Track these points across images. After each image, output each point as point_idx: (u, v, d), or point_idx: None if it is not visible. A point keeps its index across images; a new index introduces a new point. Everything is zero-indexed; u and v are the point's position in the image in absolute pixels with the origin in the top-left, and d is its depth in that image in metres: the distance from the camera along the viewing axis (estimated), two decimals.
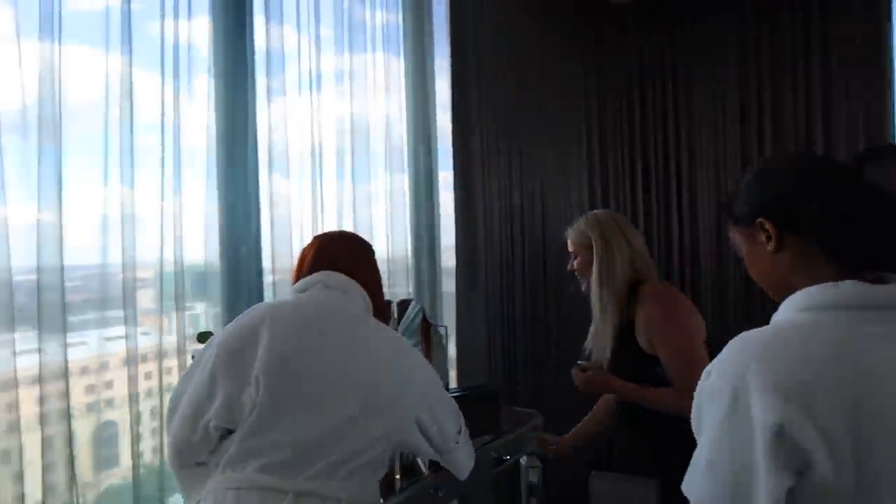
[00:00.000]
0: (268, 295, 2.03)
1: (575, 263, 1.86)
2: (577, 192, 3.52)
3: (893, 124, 3.46)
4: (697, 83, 3.65)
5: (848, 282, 0.79)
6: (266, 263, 2.02)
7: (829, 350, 0.74)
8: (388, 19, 2.58)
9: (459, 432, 1.43)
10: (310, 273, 1.35)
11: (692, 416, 0.84)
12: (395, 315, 1.85)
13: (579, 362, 1.85)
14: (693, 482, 0.80)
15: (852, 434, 0.70)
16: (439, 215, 2.75)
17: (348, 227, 2.33)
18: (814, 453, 0.70)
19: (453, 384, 2.40)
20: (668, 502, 1.74)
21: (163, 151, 1.79)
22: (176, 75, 1.82)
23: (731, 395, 0.75)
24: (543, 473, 2.06)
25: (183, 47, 1.84)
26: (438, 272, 2.74)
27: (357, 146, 2.39)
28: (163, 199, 1.79)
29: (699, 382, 0.83)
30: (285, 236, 2.07)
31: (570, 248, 1.88)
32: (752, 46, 3.57)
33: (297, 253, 2.12)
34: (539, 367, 3.06)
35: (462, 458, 1.45)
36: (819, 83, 3.53)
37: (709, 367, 0.82)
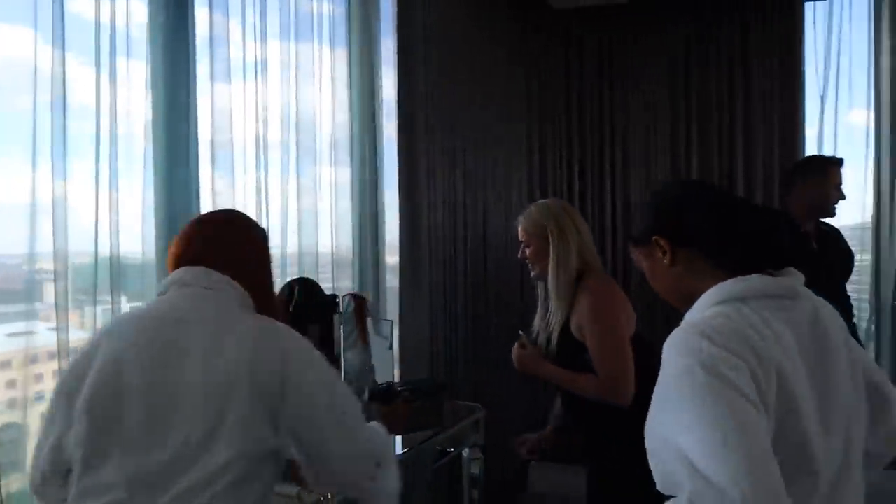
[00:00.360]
0: None
1: (527, 252, 1.88)
2: (517, 190, 3.61)
3: (804, 129, 3.75)
4: (632, 89, 3.81)
5: (754, 276, 0.93)
6: None
7: (754, 332, 0.87)
8: (334, 10, 2.55)
9: (379, 465, 1.18)
10: (175, 267, 1.14)
11: (652, 416, 0.90)
12: (342, 309, 1.85)
13: (521, 332, 1.89)
14: (712, 465, 0.77)
15: (778, 396, 0.85)
16: (384, 211, 2.74)
17: (293, 221, 2.29)
18: (768, 396, 0.84)
19: (397, 379, 2.42)
20: (598, 489, 1.83)
21: (97, 138, 1.71)
22: (112, 59, 1.73)
23: (703, 368, 0.83)
24: (485, 465, 2.12)
25: (120, 29, 1.76)
26: (382, 267, 2.74)
27: (302, 138, 2.35)
28: (97, 188, 1.71)
29: (656, 388, 0.90)
30: None
31: (522, 237, 1.90)
32: (682, 58, 3.77)
33: None
34: (480, 362, 3.12)
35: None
36: (741, 90, 3.76)
37: (667, 363, 0.90)
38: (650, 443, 0.89)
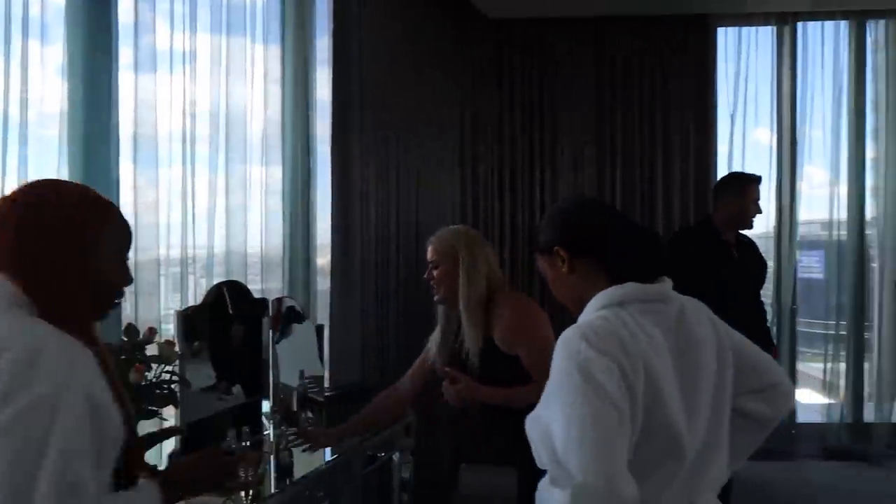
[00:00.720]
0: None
1: (435, 273, 1.88)
2: (450, 193, 3.65)
3: (716, 145, 4.02)
4: (562, 103, 3.96)
5: (630, 283, 1.09)
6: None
7: (627, 332, 1.03)
8: (268, 5, 2.49)
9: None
10: None
11: (540, 405, 1.04)
12: (272, 314, 1.81)
13: (447, 370, 1.86)
14: (568, 454, 0.95)
15: (645, 387, 1.00)
16: (315, 211, 2.70)
17: (220, 218, 2.22)
18: (622, 403, 0.97)
19: (326, 383, 2.38)
20: (528, 490, 1.88)
21: (5, 125, 1.59)
22: (24, 43, 1.61)
23: (578, 367, 0.98)
24: (415, 468, 2.12)
25: (34, 13, 1.64)
26: (313, 268, 2.70)
27: (232, 134, 2.28)
28: (4, 178, 1.58)
29: (547, 384, 1.04)
30: (150, 225, 1.93)
31: (432, 257, 1.90)
32: (608, 74, 3.95)
33: (163, 243, 2.00)
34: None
35: None
36: (660, 108, 3.98)
37: (554, 359, 1.04)
38: (532, 432, 1.05)
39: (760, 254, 3.07)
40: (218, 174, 2.21)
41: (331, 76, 2.71)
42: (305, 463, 1.73)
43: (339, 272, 2.72)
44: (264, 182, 2.47)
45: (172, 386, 1.51)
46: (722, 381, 1.12)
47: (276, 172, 2.53)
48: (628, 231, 1.17)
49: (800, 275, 4.13)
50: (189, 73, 2.09)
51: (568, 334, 1.05)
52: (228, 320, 1.91)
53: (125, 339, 1.48)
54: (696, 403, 1.06)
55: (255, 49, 2.40)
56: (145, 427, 1.62)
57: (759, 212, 2.85)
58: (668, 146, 3.97)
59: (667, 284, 1.13)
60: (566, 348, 1.02)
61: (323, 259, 2.75)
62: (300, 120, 2.62)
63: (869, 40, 4.01)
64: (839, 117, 4.02)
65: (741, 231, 2.93)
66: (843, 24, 4.03)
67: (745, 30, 4.07)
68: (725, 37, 4.06)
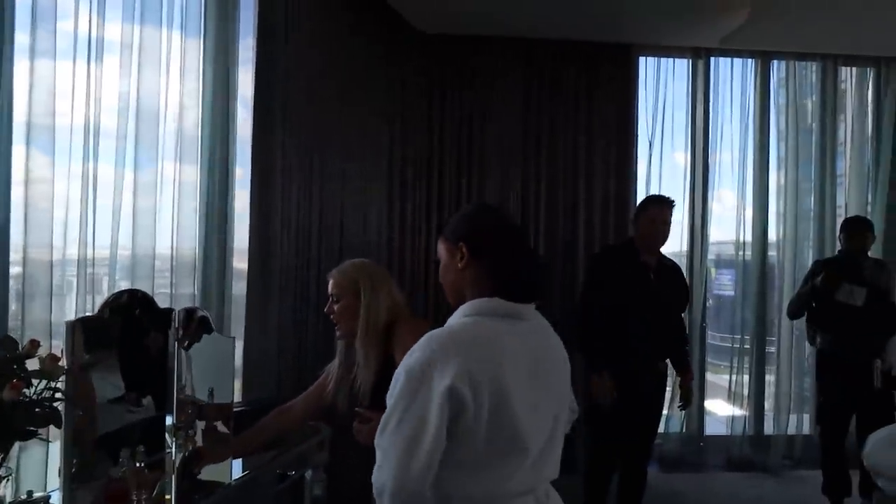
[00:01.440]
0: (16, 291, 1.70)
1: (336, 307, 1.83)
2: (377, 199, 3.59)
3: (636, 166, 4.19)
4: (490, 121, 4.01)
5: (496, 298, 1.21)
6: (15, 255, 1.69)
7: (481, 340, 1.15)
8: None
9: None
10: None
11: (390, 388, 1.14)
12: (178, 325, 1.67)
13: (358, 409, 1.75)
14: (384, 437, 1.10)
15: (491, 389, 1.11)
16: (234, 217, 2.57)
17: (126, 218, 2.06)
18: (466, 402, 1.09)
19: (238, 397, 2.25)
20: None
21: None
22: None
23: (420, 372, 1.10)
24: (329, 486, 2.04)
25: None
26: (229, 275, 2.56)
27: (143, 129, 2.14)
28: None
29: (400, 365, 1.15)
30: (43, 223, 1.76)
31: (334, 291, 1.84)
32: (535, 94, 4.04)
33: (58, 243, 1.83)
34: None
35: None
36: (584, 130, 4.11)
37: (408, 354, 1.15)
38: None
39: (683, 279, 3.17)
40: (125, 170, 2.06)
41: (254, 76, 2.61)
42: (213, 479, 1.62)
43: (257, 279, 2.60)
44: (178, 181, 2.32)
45: (55, 404, 1.36)
46: (564, 391, 1.28)
47: (192, 171, 2.39)
48: (525, 255, 1.28)
49: (714, 291, 4.36)
50: (95, 61, 1.93)
51: (430, 336, 1.16)
52: (131, 331, 1.77)
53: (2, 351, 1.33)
54: (542, 407, 1.19)
55: (171, 40, 2.26)
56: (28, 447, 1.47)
57: (665, 233, 2.92)
58: (590, 168, 4.10)
59: (528, 307, 1.25)
60: (423, 347, 1.13)
61: (240, 265, 2.62)
62: (220, 117, 2.49)
63: (773, 78, 4.32)
64: (746, 146, 4.30)
65: (664, 254, 3.02)
66: (751, 62, 4.33)
67: (663, 60, 4.29)
68: (646, 66, 4.27)
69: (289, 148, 2.70)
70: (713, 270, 4.40)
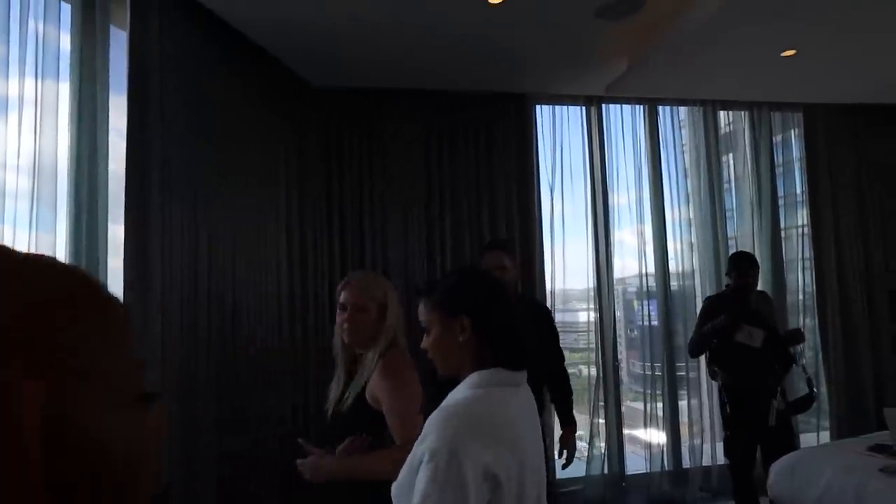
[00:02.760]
0: None
1: (357, 316, 1.80)
2: (275, 257, 3.41)
3: (541, 208, 4.25)
4: (392, 175, 3.97)
5: (500, 368, 1.21)
6: None
7: (499, 417, 1.14)
8: (55, 36, 2.19)
9: None
10: None
11: (399, 480, 1.12)
12: None
13: (299, 440, 1.76)
14: None
15: (516, 465, 1.10)
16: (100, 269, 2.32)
17: None
18: (500, 482, 1.07)
19: None
20: None
21: None
22: None
23: (449, 455, 1.04)
24: None
25: None
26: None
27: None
28: None
29: (412, 452, 1.11)
30: None
31: (356, 300, 1.81)
32: (436, 145, 4.05)
33: None
34: (226, 460, 2.75)
35: None
36: (486, 176, 4.14)
37: (421, 440, 1.10)
38: (398, 501, 1.13)
39: (551, 320, 2.97)
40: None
41: (126, 130, 2.43)
42: None
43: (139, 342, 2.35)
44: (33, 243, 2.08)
45: None
46: (542, 449, 1.28)
47: (48, 236, 2.14)
48: (521, 323, 1.27)
49: (637, 322, 4.43)
50: None
51: (442, 414, 1.12)
52: None
53: None
54: (541, 470, 1.22)
55: (42, 84, 2.07)
56: None
57: (502, 275, 2.67)
58: (494, 212, 4.12)
59: (525, 373, 1.25)
60: (438, 427, 1.09)
61: None
62: (87, 168, 2.27)
63: (661, 122, 4.57)
64: (641, 186, 4.49)
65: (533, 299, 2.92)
66: (639, 108, 4.57)
67: (558, 108, 4.45)
68: (541, 113, 4.40)
69: (168, 209, 2.50)
70: (635, 303, 4.48)
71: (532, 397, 1.29)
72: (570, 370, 3.03)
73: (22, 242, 2.07)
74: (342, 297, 1.85)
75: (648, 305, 4.44)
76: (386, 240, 3.91)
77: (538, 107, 4.36)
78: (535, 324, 2.81)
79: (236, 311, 2.91)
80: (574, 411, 2.96)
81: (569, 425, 2.91)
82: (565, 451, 2.87)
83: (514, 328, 1.25)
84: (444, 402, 1.18)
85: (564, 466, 2.91)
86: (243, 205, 3.04)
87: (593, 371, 4.24)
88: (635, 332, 4.60)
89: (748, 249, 4.28)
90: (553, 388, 2.91)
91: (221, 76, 2.95)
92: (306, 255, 3.68)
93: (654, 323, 4.46)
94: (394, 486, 1.16)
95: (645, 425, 4.33)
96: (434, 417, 1.12)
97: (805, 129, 4.63)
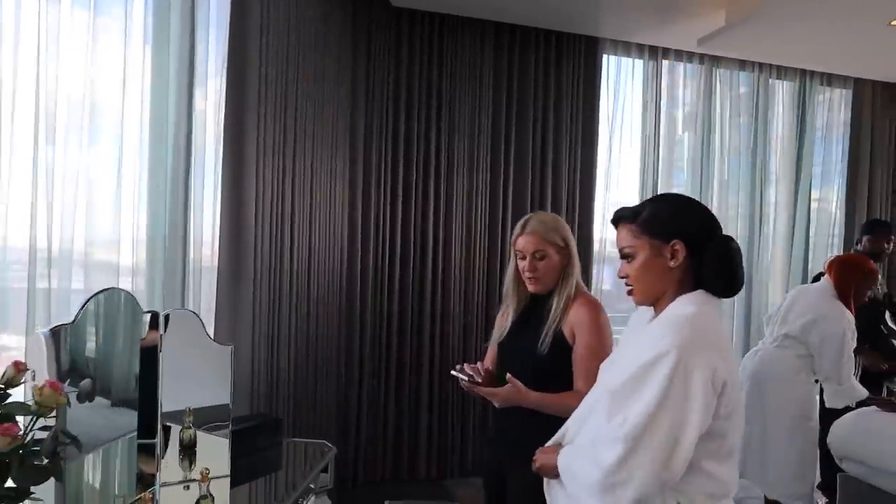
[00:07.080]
0: None
1: (539, 264, 1.79)
2: (340, 191, 3.37)
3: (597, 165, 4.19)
4: (459, 97, 3.87)
5: (706, 293, 1.25)
6: None
7: (718, 327, 1.25)
8: None
9: None
10: None
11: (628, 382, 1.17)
12: (164, 331, 1.43)
13: (468, 367, 1.76)
14: (635, 426, 1.12)
15: (730, 385, 1.17)
16: (193, 209, 2.26)
17: (81, 210, 1.76)
18: (728, 382, 1.16)
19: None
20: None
21: None
22: None
23: (678, 361, 1.11)
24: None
25: None
26: (189, 275, 2.24)
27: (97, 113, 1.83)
28: None
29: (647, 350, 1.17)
30: None
31: (539, 247, 1.79)
32: (505, 70, 3.95)
33: None
34: (314, 392, 2.79)
35: None
36: (552, 125, 4.07)
37: (658, 339, 1.17)
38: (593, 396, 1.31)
39: None
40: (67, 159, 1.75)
41: (226, 57, 2.34)
42: None
43: (228, 287, 2.33)
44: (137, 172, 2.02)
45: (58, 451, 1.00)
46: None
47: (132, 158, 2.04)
48: (736, 252, 1.26)
49: None
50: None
51: (679, 321, 1.18)
52: (112, 340, 1.48)
53: None
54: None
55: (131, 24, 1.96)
56: None
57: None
58: (557, 156, 4.07)
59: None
60: (674, 332, 1.15)
61: (202, 264, 2.32)
62: (183, 103, 2.19)
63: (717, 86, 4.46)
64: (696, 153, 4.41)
65: None
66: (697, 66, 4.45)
67: (623, 58, 4.32)
68: (607, 63, 4.27)
69: (262, 148, 2.43)
70: None
71: None
72: None
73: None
74: (519, 243, 1.83)
75: None
76: (450, 177, 3.88)
77: (605, 56, 4.22)
78: None
79: (311, 248, 2.92)
80: None
81: None
82: None
83: (733, 257, 1.24)
84: (665, 316, 1.21)
85: None
86: (316, 133, 2.97)
87: None
88: None
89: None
90: None
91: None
92: (369, 188, 3.65)
93: None
94: (581, 406, 1.32)
95: None
96: (662, 327, 1.18)
97: None
